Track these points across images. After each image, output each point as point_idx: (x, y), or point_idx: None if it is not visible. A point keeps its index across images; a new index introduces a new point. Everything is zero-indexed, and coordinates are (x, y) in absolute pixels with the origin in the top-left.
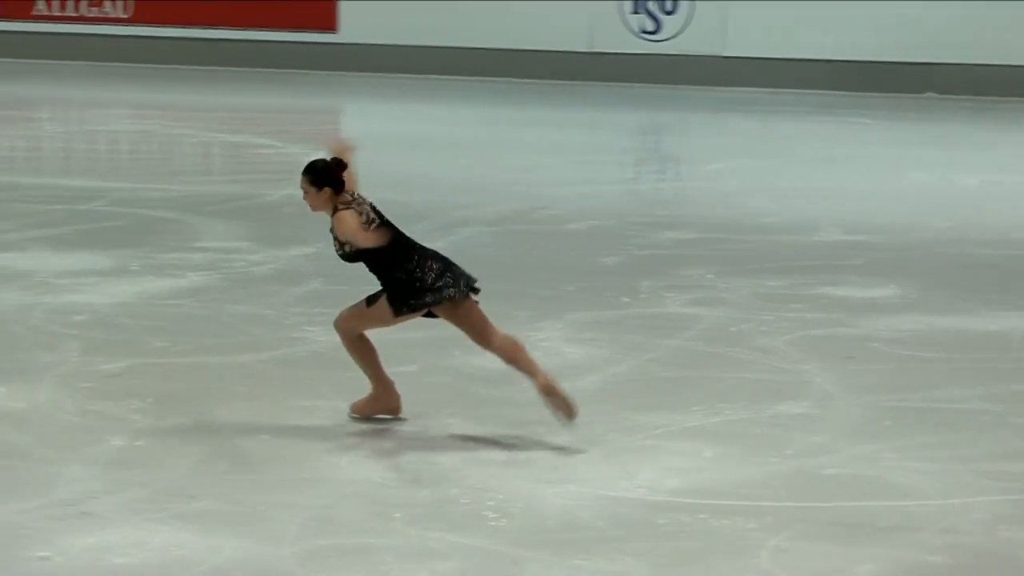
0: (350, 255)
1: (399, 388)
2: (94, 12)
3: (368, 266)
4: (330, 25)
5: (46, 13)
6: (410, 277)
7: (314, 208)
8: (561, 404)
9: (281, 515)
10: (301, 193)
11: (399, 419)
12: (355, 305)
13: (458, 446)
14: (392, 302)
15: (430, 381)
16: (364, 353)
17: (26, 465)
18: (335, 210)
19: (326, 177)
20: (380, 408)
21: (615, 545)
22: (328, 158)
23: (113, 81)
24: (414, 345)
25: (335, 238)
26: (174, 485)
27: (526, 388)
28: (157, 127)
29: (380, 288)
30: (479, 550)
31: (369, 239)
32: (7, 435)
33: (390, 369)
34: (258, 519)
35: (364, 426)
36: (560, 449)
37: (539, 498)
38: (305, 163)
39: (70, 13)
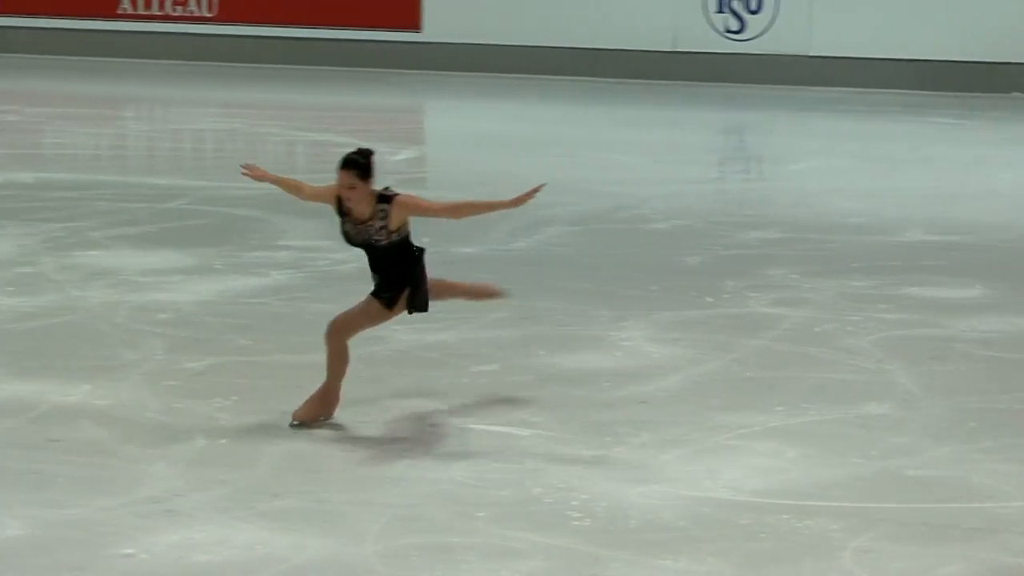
0: (395, 243)
1: (483, 387)
2: (179, 11)
3: (395, 259)
4: (414, 24)
5: (131, 12)
6: (423, 272)
7: (358, 203)
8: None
9: (364, 514)
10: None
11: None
12: (353, 310)
13: (541, 446)
14: (395, 299)
15: (513, 380)
16: (344, 360)
17: (111, 463)
18: (381, 199)
19: (372, 168)
20: (324, 412)
21: (698, 545)
22: (355, 150)
23: (198, 80)
24: (497, 344)
25: (383, 227)
26: (258, 483)
27: (610, 387)
28: (241, 125)
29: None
30: (562, 549)
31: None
32: (92, 433)
33: (472, 368)
34: (341, 518)
35: (446, 425)
36: (643, 449)
37: (622, 498)
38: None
39: (155, 11)
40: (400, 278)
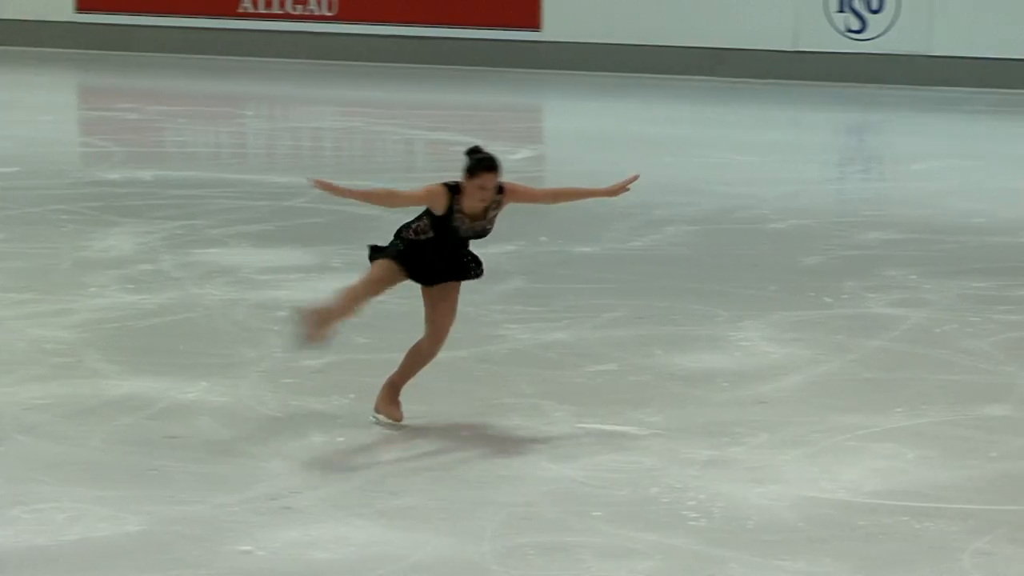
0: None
1: (600, 386)
2: (299, 9)
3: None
4: (534, 23)
5: (251, 10)
6: None
7: (485, 199)
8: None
9: (481, 512)
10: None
11: (566, 420)
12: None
13: (658, 445)
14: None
15: (632, 380)
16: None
17: (228, 460)
18: (501, 190)
19: None
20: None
21: (815, 547)
22: (473, 147)
23: (317, 78)
24: (614, 344)
25: (495, 215)
26: (375, 481)
27: (727, 387)
28: (361, 124)
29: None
30: (679, 549)
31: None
32: (210, 430)
33: (589, 367)
34: (458, 516)
35: (563, 424)
36: (761, 449)
37: (740, 498)
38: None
39: (275, 10)
40: (471, 256)
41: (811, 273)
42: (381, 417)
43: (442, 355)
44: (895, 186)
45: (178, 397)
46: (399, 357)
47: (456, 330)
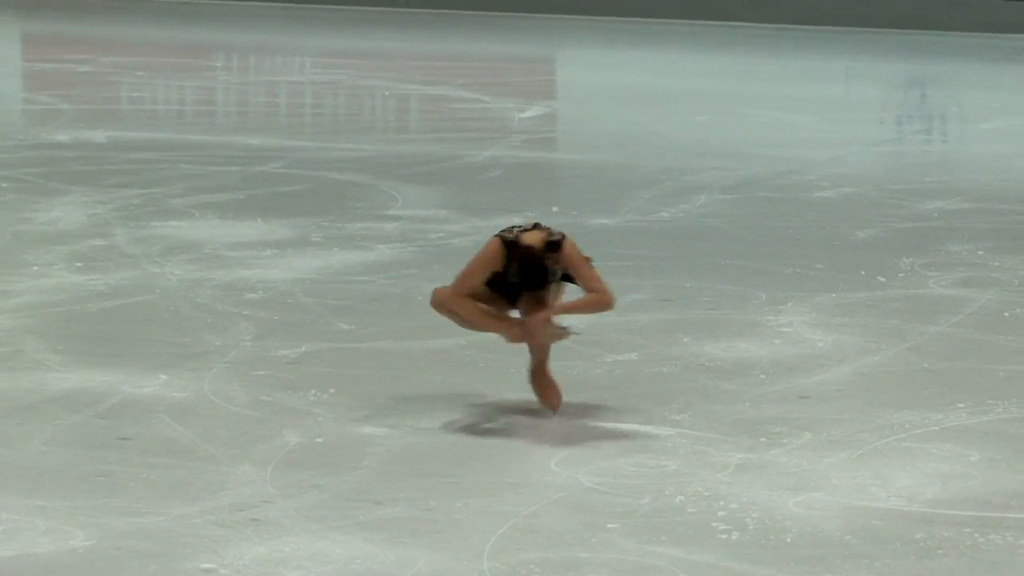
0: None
1: (619, 379)
2: None
3: None
4: None
5: None
6: None
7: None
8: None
9: (480, 524)
10: (508, 156)
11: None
12: None
13: (685, 447)
14: None
15: (654, 372)
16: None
17: (189, 465)
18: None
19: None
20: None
21: (865, 563)
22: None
23: (296, 24)
24: (635, 330)
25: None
26: (358, 489)
27: (765, 380)
28: (345, 77)
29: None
30: (707, 567)
31: None
32: (169, 430)
33: (607, 358)
34: (453, 528)
35: (575, 423)
36: (803, 451)
37: (778, 508)
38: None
39: None
40: None
41: (863, 248)
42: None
43: (436, 343)
44: (961, 148)
45: (132, 392)
46: (387, 346)
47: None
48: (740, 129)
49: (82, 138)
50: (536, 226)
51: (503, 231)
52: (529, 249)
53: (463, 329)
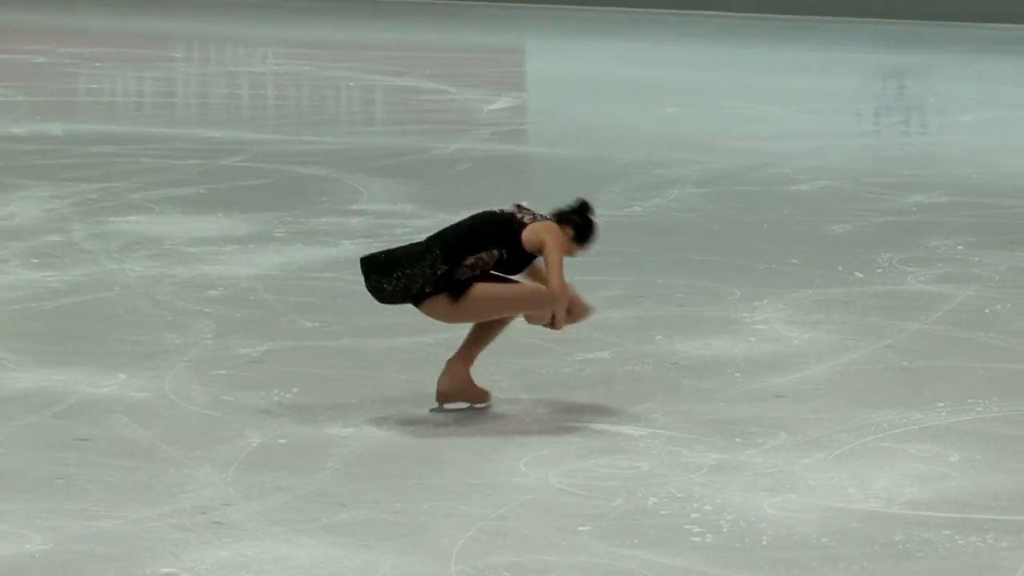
0: None
1: (589, 378)
2: None
3: None
4: None
5: None
6: None
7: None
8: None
9: (447, 527)
10: (476, 149)
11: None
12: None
13: (657, 448)
14: None
15: (626, 370)
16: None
17: (149, 466)
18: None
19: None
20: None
21: (843, 566)
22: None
23: (258, 13)
24: (607, 328)
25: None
26: (322, 491)
27: (740, 379)
28: (309, 68)
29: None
30: (680, 570)
31: None
32: (128, 431)
33: (578, 356)
34: (420, 531)
35: (544, 423)
36: (778, 452)
37: (753, 509)
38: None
39: None
40: None
41: (840, 243)
42: None
43: (402, 340)
44: (939, 141)
45: (91, 392)
46: (351, 344)
47: (413, 310)
48: (714, 121)
49: (38, 131)
50: (520, 207)
51: (532, 213)
52: (588, 218)
53: (429, 326)
